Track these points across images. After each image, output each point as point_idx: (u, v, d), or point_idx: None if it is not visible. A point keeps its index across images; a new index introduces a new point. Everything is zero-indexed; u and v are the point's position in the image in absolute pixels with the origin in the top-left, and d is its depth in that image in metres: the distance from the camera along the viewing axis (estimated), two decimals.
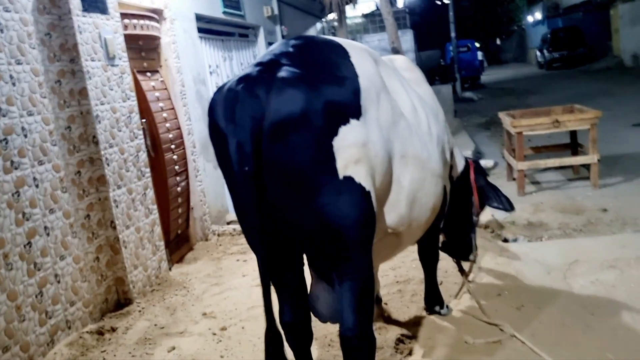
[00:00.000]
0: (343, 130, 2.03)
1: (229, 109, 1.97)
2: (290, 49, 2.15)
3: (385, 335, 3.29)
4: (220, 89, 2.13)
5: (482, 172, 3.54)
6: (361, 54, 2.32)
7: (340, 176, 2.03)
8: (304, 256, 2.36)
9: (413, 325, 3.41)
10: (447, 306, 3.57)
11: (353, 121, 2.07)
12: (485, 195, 3.52)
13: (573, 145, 7.23)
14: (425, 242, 3.31)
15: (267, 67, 2.04)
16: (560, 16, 31.45)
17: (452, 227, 3.51)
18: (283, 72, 1.99)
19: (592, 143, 6.35)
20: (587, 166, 6.72)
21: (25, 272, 3.19)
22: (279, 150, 1.95)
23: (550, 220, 5.63)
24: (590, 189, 6.48)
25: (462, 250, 3.62)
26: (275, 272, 2.28)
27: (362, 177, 2.07)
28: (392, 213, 2.37)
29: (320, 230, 2.04)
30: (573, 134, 7.19)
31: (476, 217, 3.55)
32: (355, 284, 2.13)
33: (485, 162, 3.55)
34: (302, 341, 2.49)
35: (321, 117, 1.97)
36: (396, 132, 2.32)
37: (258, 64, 2.07)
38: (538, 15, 35.35)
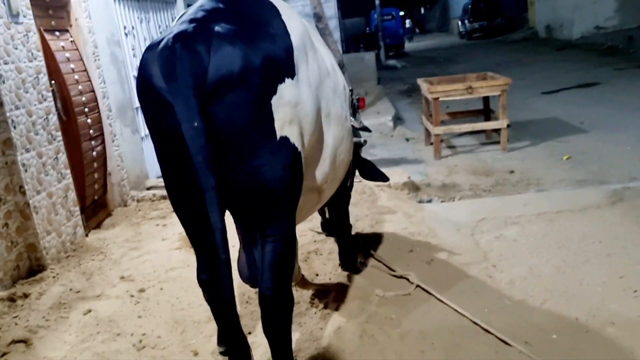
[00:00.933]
0: (280, 89, 2.03)
1: (168, 68, 1.87)
2: (221, 5, 2.09)
3: (301, 291, 3.40)
4: (151, 48, 2.02)
5: (357, 147, 3.46)
6: (290, 12, 2.33)
7: (277, 137, 2.03)
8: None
9: (329, 281, 3.55)
10: (361, 262, 3.70)
11: (288, 80, 2.07)
12: (363, 168, 3.59)
13: (485, 111, 7.58)
14: (338, 199, 3.39)
15: (202, 23, 1.96)
16: None
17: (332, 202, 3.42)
18: (219, 28, 1.94)
19: (502, 109, 6.68)
20: (498, 131, 7.08)
21: None
22: (218, 109, 1.91)
23: (463, 182, 5.92)
24: (500, 152, 6.85)
25: (341, 226, 3.61)
26: (199, 232, 2.23)
27: (295, 138, 2.08)
28: (318, 171, 2.43)
29: (252, 190, 2.04)
30: (486, 100, 7.53)
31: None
32: (278, 245, 2.16)
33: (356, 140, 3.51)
34: (221, 298, 2.50)
35: (261, 74, 1.96)
36: (322, 91, 2.36)
37: (191, 20, 1.98)
38: None
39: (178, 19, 2.23)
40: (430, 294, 3.30)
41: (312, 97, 2.22)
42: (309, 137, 2.21)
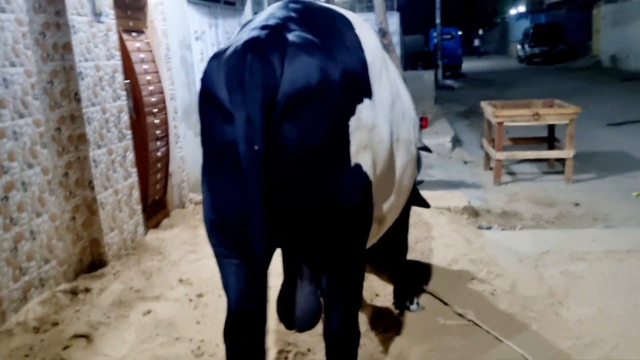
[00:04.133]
0: (358, 109, 1.85)
1: (235, 77, 1.68)
2: (293, 14, 1.92)
3: (360, 312, 3.32)
4: (218, 55, 1.82)
5: None
6: (363, 25, 2.16)
7: (351, 163, 1.84)
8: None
9: (389, 303, 3.46)
10: (417, 302, 3.41)
11: (366, 100, 1.89)
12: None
13: (550, 139, 7.36)
14: (396, 227, 3.09)
15: (276, 31, 1.78)
16: (543, 12, 31.74)
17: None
18: (294, 37, 1.76)
19: (569, 138, 6.47)
20: (561, 161, 6.85)
21: (1, 226, 3.11)
22: (291, 128, 1.71)
23: (524, 211, 5.75)
24: (563, 183, 6.62)
25: (398, 257, 3.38)
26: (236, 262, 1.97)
27: (367, 166, 1.90)
28: (382, 200, 2.22)
29: (318, 219, 1.84)
30: (551, 128, 7.32)
31: None
32: (347, 278, 2.02)
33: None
34: (259, 330, 2.08)
35: (340, 90, 1.77)
36: (393, 114, 2.17)
37: (264, 27, 1.79)
38: (522, 9, 35.62)
39: (245, 26, 2.07)
40: (489, 332, 3.14)
41: (387, 121, 2.04)
42: (381, 164, 2.02)
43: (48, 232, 3.51)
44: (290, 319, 2.25)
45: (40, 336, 2.94)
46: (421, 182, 6.77)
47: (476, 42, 32.07)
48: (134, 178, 4.42)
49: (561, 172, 6.84)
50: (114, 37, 4.23)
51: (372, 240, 2.52)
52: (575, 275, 3.98)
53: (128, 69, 4.54)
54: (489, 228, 5.28)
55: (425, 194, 5.52)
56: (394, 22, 14.69)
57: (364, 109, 1.87)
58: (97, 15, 4.01)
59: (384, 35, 9.08)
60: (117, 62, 4.27)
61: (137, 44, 4.79)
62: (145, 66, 4.82)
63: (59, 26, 3.69)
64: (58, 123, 3.68)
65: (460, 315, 3.32)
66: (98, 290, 3.54)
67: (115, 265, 3.95)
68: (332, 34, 1.93)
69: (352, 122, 1.82)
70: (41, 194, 3.47)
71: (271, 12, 1.96)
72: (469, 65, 27.64)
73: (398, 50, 12.37)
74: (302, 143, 1.73)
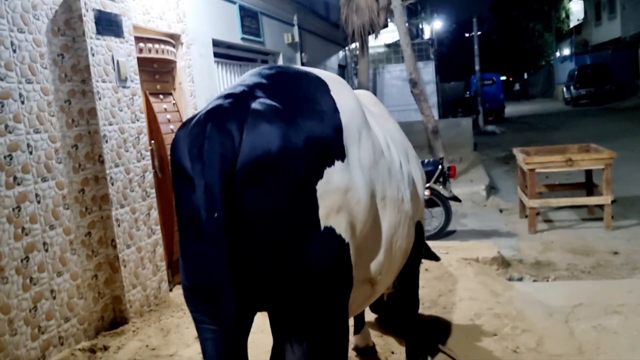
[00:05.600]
0: (327, 173, 1.83)
1: (195, 147, 1.69)
2: (264, 80, 1.93)
3: None
4: (185, 125, 1.86)
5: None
6: (341, 87, 2.15)
7: (322, 227, 1.80)
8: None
9: None
10: None
11: (337, 163, 1.87)
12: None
13: (588, 184, 7.14)
14: (404, 287, 3.05)
15: (239, 99, 1.79)
16: (588, 53, 31.31)
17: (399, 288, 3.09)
18: (257, 105, 1.77)
19: (606, 184, 6.26)
20: (602, 207, 6.61)
21: (21, 287, 3.23)
22: (253, 195, 1.71)
23: (559, 260, 5.54)
24: (603, 230, 6.37)
25: (408, 316, 3.18)
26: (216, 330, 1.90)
27: (342, 229, 1.85)
28: (370, 261, 2.15)
29: (290, 287, 1.80)
30: (589, 173, 7.11)
31: None
32: (328, 343, 1.91)
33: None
34: None
35: (303, 156, 1.75)
36: (377, 173, 2.13)
37: (228, 96, 1.82)
38: (566, 52, 35.28)
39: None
40: None
41: (365, 181, 1.99)
42: (362, 225, 1.96)
43: (69, 291, 3.62)
44: None
45: None
46: (453, 232, 6.69)
47: (516, 87, 33.22)
48: (158, 235, 4.52)
49: (601, 219, 6.59)
50: (139, 101, 4.43)
51: (367, 302, 2.48)
52: (608, 330, 3.78)
53: (154, 129, 4.72)
54: (520, 279, 5.11)
55: (454, 244, 5.47)
56: (429, 71, 14.81)
57: (334, 172, 1.85)
58: (122, 81, 4.21)
59: (414, 85, 9.17)
60: (142, 124, 4.45)
61: (164, 105, 4.99)
62: (171, 126, 4.99)
63: (84, 93, 3.90)
64: (82, 184, 3.84)
65: None
66: (115, 348, 3.59)
67: (137, 322, 4.01)
68: (303, 98, 1.93)
69: (320, 186, 1.80)
70: (62, 254, 3.59)
71: (242, 80, 1.98)
72: (513, 109, 27.34)
73: (434, 99, 12.41)
74: (265, 210, 1.72)
